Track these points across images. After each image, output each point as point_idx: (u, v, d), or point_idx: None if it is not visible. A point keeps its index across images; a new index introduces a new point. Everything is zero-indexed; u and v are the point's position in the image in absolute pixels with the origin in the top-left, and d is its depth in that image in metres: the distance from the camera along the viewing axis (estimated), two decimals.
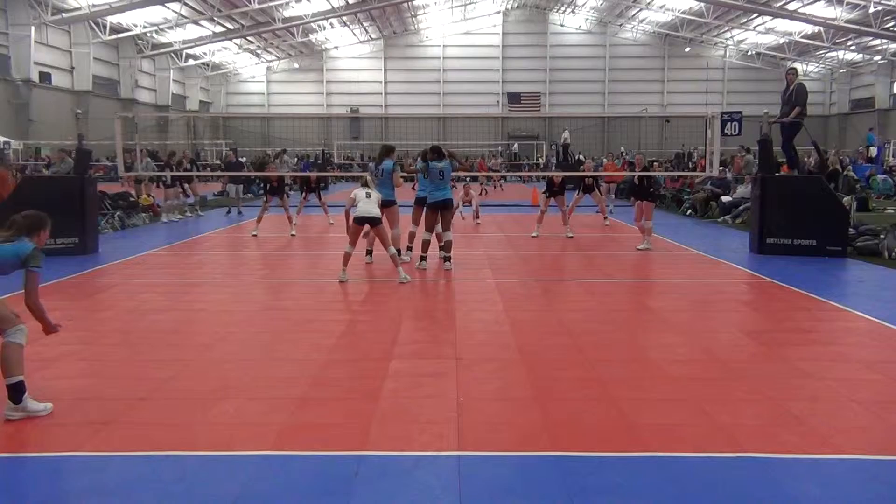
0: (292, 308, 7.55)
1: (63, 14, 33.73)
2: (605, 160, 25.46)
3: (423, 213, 9.90)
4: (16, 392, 4.23)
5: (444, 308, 7.52)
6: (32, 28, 32.58)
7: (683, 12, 45.82)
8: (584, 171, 16.86)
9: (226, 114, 52.94)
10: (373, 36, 53.06)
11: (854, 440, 4.01)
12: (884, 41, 41.20)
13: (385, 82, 53.84)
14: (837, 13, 36.55)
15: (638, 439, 4.00)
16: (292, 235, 13.68)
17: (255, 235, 13.52)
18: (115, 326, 6.68)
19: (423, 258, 9.75)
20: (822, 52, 48.33)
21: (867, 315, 7.02)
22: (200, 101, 52.81)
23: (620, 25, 53.35)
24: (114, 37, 38.38)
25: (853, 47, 45.63)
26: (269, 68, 54.58)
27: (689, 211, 18.42)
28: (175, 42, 42.62)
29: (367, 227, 9.05)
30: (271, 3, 38.33)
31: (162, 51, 43.58)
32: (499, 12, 53.51)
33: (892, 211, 18.12)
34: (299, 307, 7.62)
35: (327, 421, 4.24)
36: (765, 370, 5.30)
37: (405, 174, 11.75)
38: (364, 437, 4.00)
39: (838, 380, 5.08)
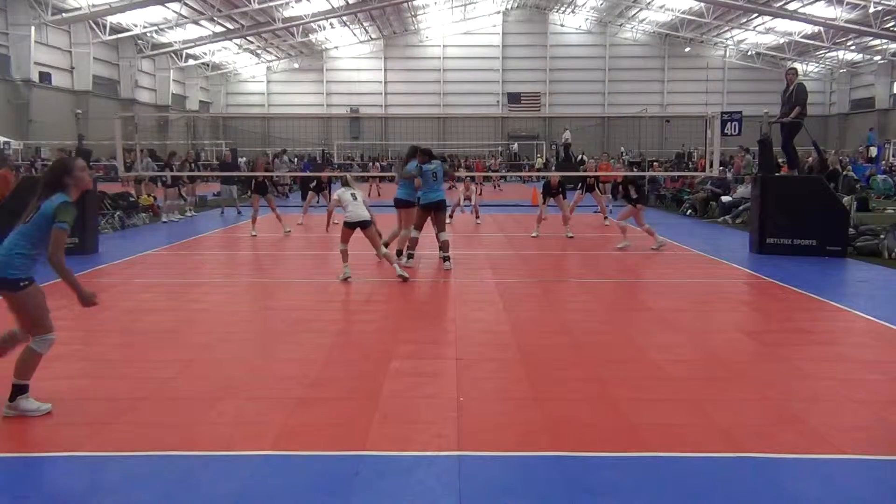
0: (292, 308, 7.54)
1: (63, 14, 33.75)
2: (598, 160, 25.42)
3: (416, 212, 9.97)
4: (17, 392, 4.23)
5: (444, 308, 7.52)
6: (32, 28, 32.59)
7: (683, 12, 45.83)
8: (585, 170, 16.89)
9: (226, 114, 52.94)
10: (373, 36, 53.06)
11: (854, 440, 4.01)
12: (884, 41, 41.20)
13: (385, 82, 53.85)
14: (837, 13, 36.55)
15: (638, 439, 4.00)
16: (287, 233, 13.67)
17: (254, 236, 13.53)
18: (115, 326, 6.68)
19: (410, 255, 9.88)
20: (822, 52, 48.35)
21: (867, 315, 7.02)
22: (200, 101, 52.82)
23: (620, 25, 53.36)
24: (114, 37, 38.39)
25: (853, 47, 45.63)
26: (269, 68, 54.59)
27: (689, 211, 18.41)
28: (175, 42, 42.64)
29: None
30: (271, 3, 38.34)
31: (162, 51, 43.60)
32: (499, 12, 53.51)
33: (892, 211, 18.12)
34: (299, 307, 7.61)
35: (327, 421, 4.24)
36: (765, 370, 5.30)
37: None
38: (364, 437, 4.00)
39: (838, 380, 5.08)
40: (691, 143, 33.59)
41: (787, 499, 3.35)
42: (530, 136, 49.79)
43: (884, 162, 29.82)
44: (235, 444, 3.93)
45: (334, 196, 9.13)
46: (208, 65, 50.54)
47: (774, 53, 50.52)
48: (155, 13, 37.93)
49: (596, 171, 16.99)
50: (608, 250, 12.12)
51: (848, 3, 35.94)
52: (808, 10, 39.16)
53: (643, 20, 51.67)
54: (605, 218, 16.07)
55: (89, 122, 33.77)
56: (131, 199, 16.74)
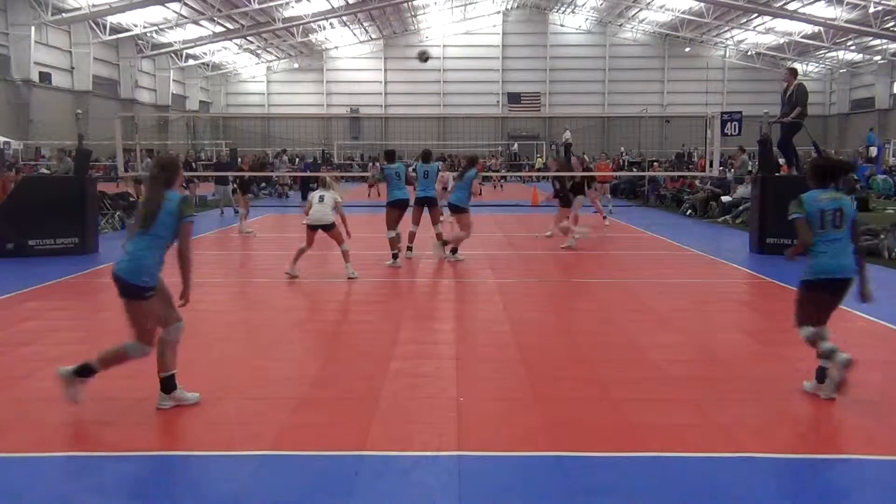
0: (292, 308, 7.54)
1: (63, 14, 33.72)
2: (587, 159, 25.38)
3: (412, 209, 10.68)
4: (169, 384, 4.38)
5: (444, 308, 7.52)
6: (32, 28, 32.56)
7: (683, 12, 45.80)
8: (589, 171, 16.86)
9: (226, 114, 52.88)
10: (373, 36, 53.04)
11: (854, 440, 4.01)
12: (884, 41, 41.16)
13: (385, 82, 53.81)
14: (837, 13, 36.53)
15: (638, 439, 4.00)
16: (248, 233, 13.65)
17: (250, 233, 13.56)
18: (115, 326, 6.65)
19: (409, 248, 10.61)
20: (822, 52, 48.31)
21: (867, 315, 7.02)
22: (200, 101, 52.79)
23: (620, 25, 53.33)
24: (114, 37, 38.36)
25: (853, 47, 45.61)
26: (269, 68, 54.56)
27: (689, 211, 18.41)
28: (175, 42, 42.60)
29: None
30: (271, 3, 38.32)
31: (162, 51, 43.56)
32: (499, 12, 53.48)
33: (892, 211, 18.11)
34: (299, 307, 7.62)
35: (327, 421, 4.24)
36: (765, 370, 5.31)
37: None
38: (364, 437, 4.00)
39: None
40: (691, 143, 33.59)
41: (787, 499, 3.35)
42: (530, 136, 49.76)
43: (884, 164, 29.79)
44: (235, 444, 3.94)
45: (308, 197, 9.23)
46: (208, 65, 50.52)
47: (774, 53, 50.49)
48: (155, 13, 37.90)
49: (594, 171, 16.96)
50: (608, 250, 12.13)
51: (848, 3, 35.93)
52: (808, 10, 39.13)
53: (643, 20, 51.64)
54: (605, 218, 16.03)
55: (89, 122, 33.71)
56: (131, 199, 16.74)
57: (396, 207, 10.17)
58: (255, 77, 55.04)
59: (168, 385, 4.42)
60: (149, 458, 3.75)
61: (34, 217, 10.72)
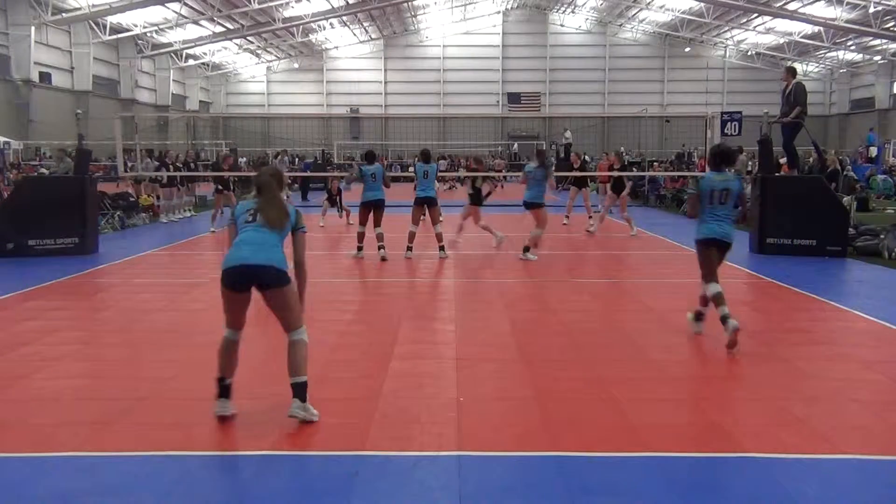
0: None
1: (63, 14, 33.71)
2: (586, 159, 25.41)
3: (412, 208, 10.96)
4: (303, 390, 4.18)
5: (444, 308, 7.52)
6: (32, 28, 32.55)
7: (683, 12, 45.79)
8: (584, 169, 16.93)
9: (226, 114, 52.89)
10: (373, 36, 53.03)
11: (854, 440, 4.01)
12: (884, 41, 41.15)
13: (385, 82, 53.81)
14: (837, 13, 36.52)
15: (638, 439, 4.00)
16: (212, 231, 13.96)
17: (212, 231, 13.85)
18: (115, 326, 6.68)
19: (409, 248, 10.72)
20: (822, 52, 48.30)
21: (867, 315, 7.02)
22: (200, 101, 52.79)
23: (620, 25, 53.33)
24: (114, 37, 38.35)
25: (853, 47, 45.59)
26: (269, 68, 54.56)
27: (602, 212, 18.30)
28: (175, 42, 42.59)
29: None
30: (271, 3, 38.31)
31: (162, 51, 43.55)
32: (499, 12, 53.47)
33: (892, 211, 18.12)
34: None
35: (327, 421, 4.23)
36: (765, 370, 5.30)
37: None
38: (364, 437, 4.00)
39: (838, 380, 5.09)
40: (691, 143, 33.56)
41: (787, 499, 3.35)
42: (530, 136, 49.73)
43: (885, 163, 29.79)
44: (235, 444, 3.94)
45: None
46: (208, 65, 50.51)
47: (774, 53, 50.48)
48: (155, 13, 37.89)
49: (595, 170, 16.98)
50: (608, 250, 12.12)
51: (848, 3, 35.92)
52: (808, 10, 39.12)
53: (643, 20, 51.63)
54: (601, 217, 15.87)
55: (89, 122, 33.73)
56: (131, 199, 16.75)
57: (366, 207, 10.54)
58: (255, 77, 55.03)
59: (304, 390, 4.21)
60: (149, 458, 3.75)
61: (34, 217, 10.72)
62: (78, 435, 4.04)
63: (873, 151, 28.27)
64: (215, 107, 54.29)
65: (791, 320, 7.02)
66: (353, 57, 53.99)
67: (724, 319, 5.72)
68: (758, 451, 3.82)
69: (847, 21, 37.15)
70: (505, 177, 34.06)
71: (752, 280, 9.23)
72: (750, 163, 20.81)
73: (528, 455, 3.82)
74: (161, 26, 39.84)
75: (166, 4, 35.48)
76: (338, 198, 15.81)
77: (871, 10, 34.82)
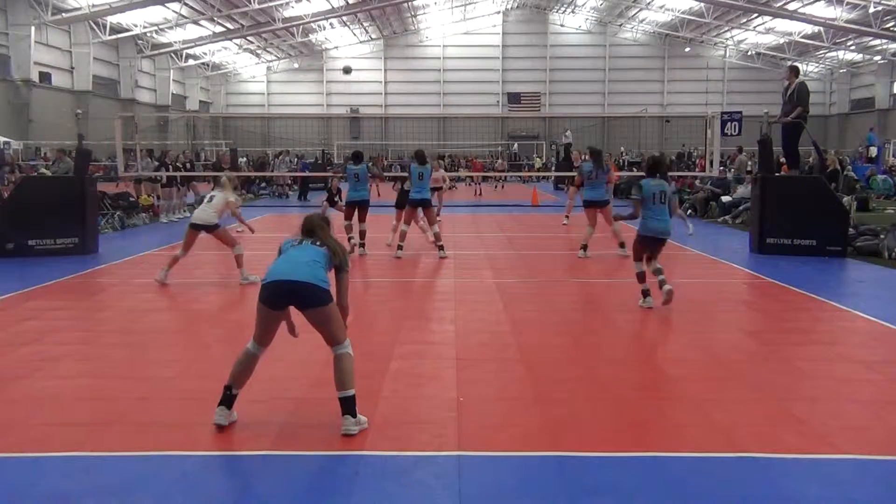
0: (292, 308, 7.53)
1: (63, 14, 33.71)
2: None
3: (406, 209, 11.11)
4: (352, 405, 4.05)
5: (444, 308, 7.51)
6: (32, 28, 32.55)
7: (683, 12, 45.82)
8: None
9: (226, 114, 52.89)
10: (373, 36, 53.05)
11: (854, 440, 4.01)
12: (884, 41, 41.17)
13: (385, 82, 53.83)
14: (837, 13, 36.53)
15: (638, 439, 4.00)
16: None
17: (240, 232, 13.80)
18: (115, 326, 6.68)
19: (399, 247, 10.78)
20: (822, 52, 48.32)
21: (867, 315, 7.02)
22: (200, 101, 52.80)
23: (620, 25, 53.34)
24: (114, 37, 38.35)
25: (853, 47, 45.61)
26: (269, 68, 54.57)
27: (690, 211, 18.39)
28: (175, 42, 42.60)
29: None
30: (271, 3, 38.32)
31: (162, 51, 43.56)
32: (499, 12, 53.49)
33: (892, 211, 18.11)
34: None
35: (327, 421, 4.23)
36: (765, 370, 5.30)
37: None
38: (364, 437, 4.00)
39: (838, 380, 5.09)
40: (691, 143, 33.57)
41: (787, 499, 3.35)
42: (530, 136, 49.77)
43: (886, 161, 29.77)
44: (235, 444, 3.94)
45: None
46: (208, 65, 50.52)
47: (774, 53, 50.50)
48: (155, 13, 37.90)
49: None
50: (609, 250, 12.11)
51: (848, 3, 35.93)
52: (808, 10, 39.13)
53: (643, 20, 51.65)
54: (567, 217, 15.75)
55: (89, 122, 33.74)
56: (131, 199, 16.74)
57: (351, 207, 11.01)
58: (255, 77, 55.05)
59: (353, 403, 4.08)
60: (149, 459, 3.75)
61: (34, 217, 10.72)
62: (78, 435, 4.04)
63: (873, 151, 28.24)
64: (215, 107, 54.29)
65: (791, 320, 7.02)
66: (353, 57, 53.93)
67: (645, 293, 7.37)
68: (758, 451, 3.82)
69: (847, 21, 37.16)
70: (505, 177, 34.13)
71: (752, 280, 9.23)
72: (750, 163, 20.80)
73: (528, 455, 3.82)
74: (161, 26, 39.85)
75: (166, 4, 35.49)
76: (338, 197, 15.80)
77: (871, 10, 34.82)
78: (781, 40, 47.77)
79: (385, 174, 13.35)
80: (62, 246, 10.87)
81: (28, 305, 7.51)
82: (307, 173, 26.39)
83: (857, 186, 21.12)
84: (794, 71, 12.06)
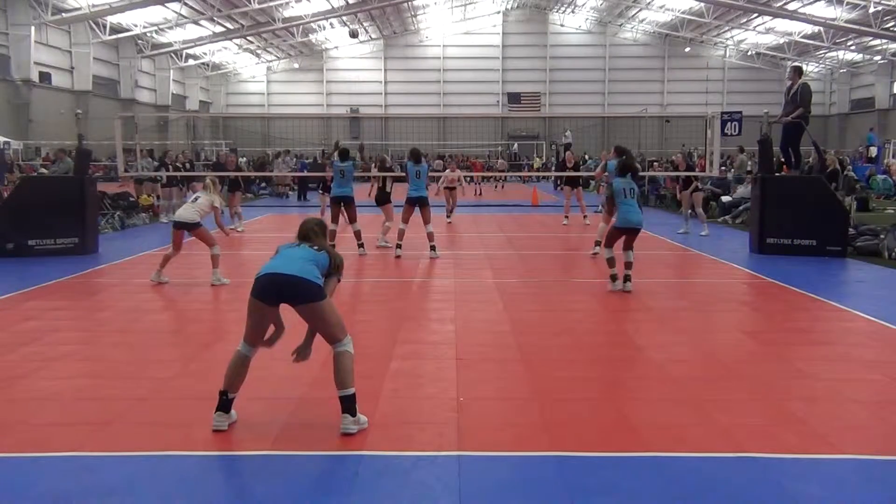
0: (291, 308, 7.53)
1: (63, 14, 33.69)
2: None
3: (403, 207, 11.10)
4: (352, 404, 4.04)
5: (444, 308, 7.51)
6: (32, 28, 32.54)
7: (683, 12, 45.80)
8: (578, 169, 17.08)
9: (226, 114, 52.90)
10: (373, 36, 53.03)
11: (854, 440, 4.01)
12: (884, 41, 41.15)
13: (385, 82, 53.82)
14: (837, 13, 36.53)
15: (638, 439, 4.00)
16: (241, 231, 14.23)
17: (241, 231, 13.87)
18: (115, 326, 6.68)
19: (398, 246, 10.80)
20: (822, 52, 48.30)
21: (867, 315, 7.02)
22: (200, 101, 52.78)
23: (620, 25, 53.33)
24: (114, 37, 38.34)
25: (853, 47, 45.60)
26: (269, 68, 54.55)
27: (690, 211, 18.37)
28: (175, 42, 42.59)
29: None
30: (271, 3, 38.30)
31: (162, 51, 43.54)
32: (499, 12, 53.48)
33: (892, 211, 18.11)
34: None
35: (327, 421, 4.23)
36: (765, 370, 5.30)
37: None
38: (364, 437, 4.00)
39: (838, 380, 5.08)
40: (691, 143, 33.55)
41: (787, 499, 3.35)
42: (530, 136, 49.76)
43: (885, 162, 29.76)
44: (235, 444, 3.94)
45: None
46: (208, 65, 50.50)
47: (774, 53, 50.50)
48: (155, 13, 37.88)
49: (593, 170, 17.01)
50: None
51: (848, 3, 35.92)
52: (808, 10, 39.12)
53: (643, 20, 51.64)
54: (585, 217, 15.81)
55: (89, 122, 33.72)
56: (131, 199, 16.74)
57: (336, 203, 11.08)
58: (255, 77, 55.03)
59: (353, 402, 4.07)
60: (149, 459, 3.75)
61: (34, 217, 10.72)
62: (78, 435, 4.04)
63: (873, 151, 28.25)
64: (215, 107, 54.27)
65: (791, 320, 7.02)
66: (353, 57, 53.98)
67: (613, 278, 8.31)
68: (758, 451, 3.82)
69: (847, 21, 37.15)
70: (505, 177, 34.12)
71: (752, 280, 9.23)
72: (750, 163, 20.80)
73: (528, 455, 3.82)
74: (161, 26, 39.83)
75: (166, 4, 35.47)
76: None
77: (871, 10, 34.81)
78: (781, 40, 47.76)
79: (378, 174, 13.23)
80: (62, 246, 10.87)
81: (28, 305, 7.51)
82: (305, 173, 26.39)
83: (857, 186, 21.12)
84: (798, 71, 12.06)
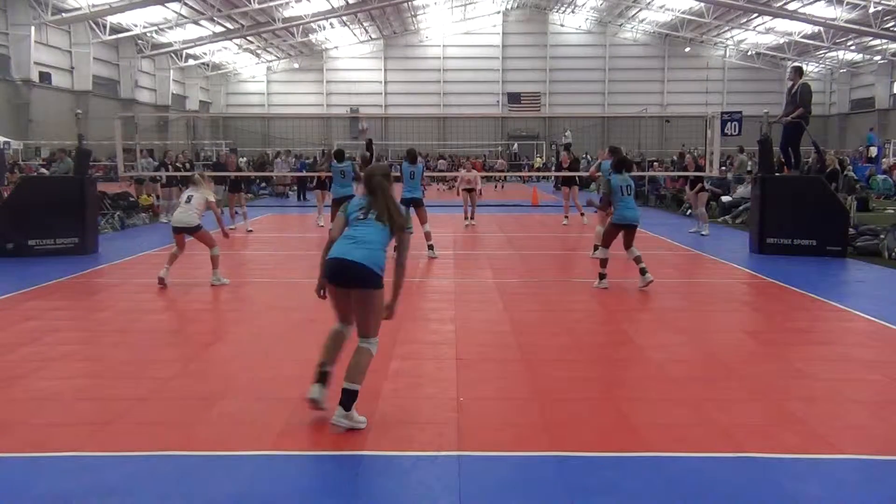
0: (292, 308, 7.54)
1: (63, 14, 33.69)
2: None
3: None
4: (351, 399, 4.08)
5: (444, 308, 7.51)
6: (32, 28, 32.54)
7: (683, 12, 45.79)
8: (576, 168, 17.16)
9: (226, 114, 52.88)
10: (373, 36, 53.02)
11: (854, 440, 4.01)
12: (884, 41, 41.14)
13: (385, 82, 53.80)
14: (837, 13, 36.53)
15: (638, 439, 4.00)
16: (249, 231, 14.20)
17: (250, 231, 13.87)
18: (115, 326, 6.68)
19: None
20: (822, 52, 48.29)
21: (867, 315, 7.02)
22: (200, 101, 52.77)
23: (620, 25, 53.32)
24: (114, 37, 38.34)
25: (853, 47, 45.59)
26: (269, 68, 54.54)
27: (689, 211, 18.39)
28: (175, 42, 42.58)
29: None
30: (271, 3, 38.30)
31: (162, 51, 43.54)
32: (499, 12, 53.47)
33: (892, 211, 18.11)
34: (299, 307, 7.60)
35: (327, 421, 4.23)
36: (765, 370, 5.30)
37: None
38: (364, 437, 4.00)
39: (838, 380, 5.08)
40: (691, 143, 33.56)
41: (787, 499, 3.35)
42: (530, 136, 49.75)
43: (885, 161, 29.76)
44: (235, 444, 3.93)
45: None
46: (208, 65, 50.49)
47: (774, 53, 50.49)
48: (155, 13, 37.88)
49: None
50: (615, 251, 12.11)
51: (848, 3, 35.92)
52: (808, 10, 39.11)
53: (643, 20, 51.63)
54: (582, 215, 15.77)
55: (89, 122, 33.70)
56: (131, 199, 16.75)
57: (336, 204, 11.11)
58: (255, 77, 55.01)
59: (353, 399, 4.09)
60: (149, 459, 3.74)
61: (34, 217, 10.72)
62: (78, 435, 4.04)
63: (873, 151, 28.24)
64: (215, 107, 54.26)
65: (791, 320, 7.02)
66: (353, 57, 53.97)
67: (601, 276, 8.47)
68: (758, 451, 3.82)
69: (847, 21, 37.15)
70: (505, 177, 34.13)
71: (752, 280, 9.23)
72: (750, 163, 20.80)
73: (528, 455, 3.82)
74: (161, 26, 39.82)
75: (166, 4, 35.46)
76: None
77: (871, 10, 34.81)
78: (781, 40, 47.75)
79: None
80: (62, 246, 10.87)
81: (28, 305, 7.51)
82: (304, 173, 26.39)
83: (857, 186, 21.13)
84: (799, 71, 12.07)
